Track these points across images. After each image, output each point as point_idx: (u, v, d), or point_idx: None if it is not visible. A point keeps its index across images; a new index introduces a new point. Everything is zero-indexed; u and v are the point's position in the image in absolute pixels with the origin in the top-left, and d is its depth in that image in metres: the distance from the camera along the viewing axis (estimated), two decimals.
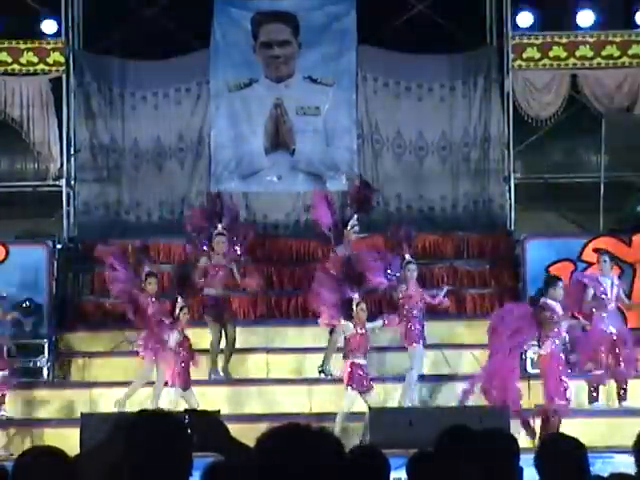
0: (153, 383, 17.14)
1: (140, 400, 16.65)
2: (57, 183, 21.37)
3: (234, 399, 17.38)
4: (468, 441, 6.10)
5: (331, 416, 16.15)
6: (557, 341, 16.74)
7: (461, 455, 5.99)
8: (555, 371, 16.77)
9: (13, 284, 18.28)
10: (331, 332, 17.51)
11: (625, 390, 17.31)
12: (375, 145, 21.54)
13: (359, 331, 16.91)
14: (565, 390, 16.79)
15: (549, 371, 16.77)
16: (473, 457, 5.91)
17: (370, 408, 16.73)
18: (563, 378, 16.81)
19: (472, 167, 21.59)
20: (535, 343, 16.93)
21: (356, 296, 16.96)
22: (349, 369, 16.84)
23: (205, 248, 18.27)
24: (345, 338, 17.04)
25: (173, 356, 17.05)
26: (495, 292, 19.56)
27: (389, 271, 17.49)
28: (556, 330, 16.80)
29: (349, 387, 16.83)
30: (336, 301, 17.07)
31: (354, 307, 16.85)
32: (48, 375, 18.80)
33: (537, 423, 16.44)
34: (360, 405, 16.89)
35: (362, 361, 16.87)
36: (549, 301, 16.89)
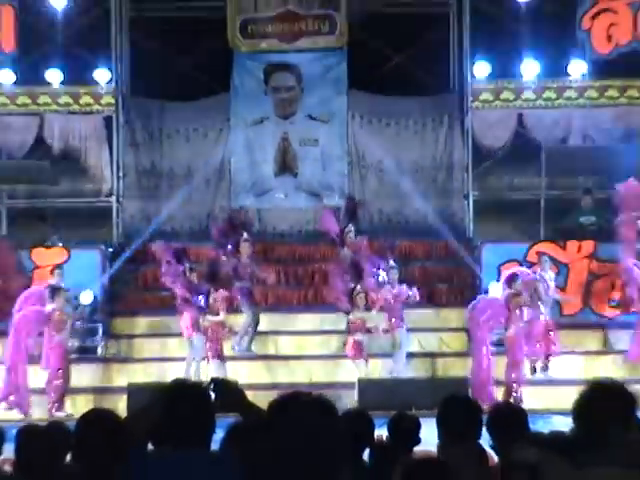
0: (204, 358, 17.21)
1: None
2: (108, 199, 21.40)
3: (250, 370, 17.32)
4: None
5: (327, 385, 16.11)
6: (521, 324, 16.84)
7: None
8: (518, 350, 16.86)
9: (73, 280, 18.24)
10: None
11: (548, 363, 17.41)
12: (361, 170, 21.49)
13: (358, 315, 17.23)
14: (523, 365, 16.93)
15: (513, 350, 16.86)
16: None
17: (359, 379, 16.79)
18: (523, 356, 16.92)
19: (439, 187, 21.54)
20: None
21: (358, 287, 17.42)
22: (352, 345, 17.16)
23: (231, 251, 18.38)
24: (348, 321, 17.40)
25: (210, 336, 17.17)
26: (457, 286, 19.64)
27: (375, 270, 17.78)
28: (519, 315, 16.92)
29: (355, 359, 17.12)
30: (346, 290, 17.44)
31: (355, 296, 17.31)
32: (101, 352, 18.75)
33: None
34: (352, 376, 16.99)
35: (360, 338, 17.15)
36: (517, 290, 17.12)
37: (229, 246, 18.50)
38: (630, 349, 17.64)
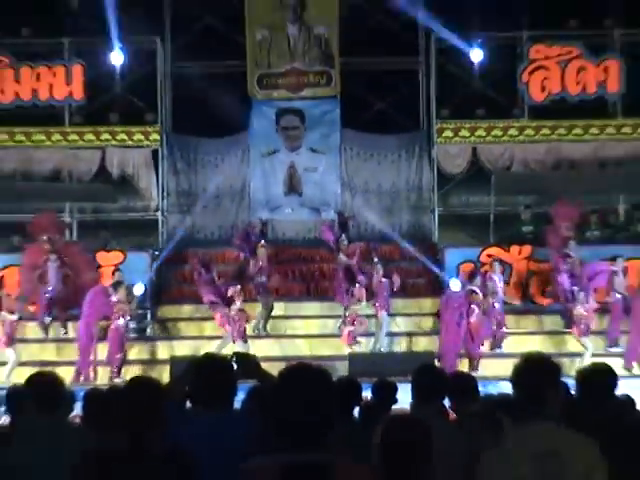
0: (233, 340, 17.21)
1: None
2: (155, 214, 21.37)
3: (266, 347, 17.32)
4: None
5: (325, 358, 16.07)
6: (477, 311, 16.93)
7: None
8: (477, 332, 16.93)
9: (129, 275, 18.30)
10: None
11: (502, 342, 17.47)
12: (351, 191, 21.44)
13: (354, 308, 17.48)
14: (482, 343, 16.96)
15: (474, 331, 16.94)
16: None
17: (349, 353, 16.82)
18: (481, 336, 16.98)
19: (411, 204, 21.54)
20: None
21: (357, 286, 17.55)
22: (347, 335, 17.35)
23: (249, 254, 18.40)
24: (344, 315, 17.62)
25: (236, 321, 17.19)
26: (426, 282, 19.55)
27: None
28: (477, 306, 17.00)
29: (349, 345, 17.27)
30: (345, 289, 17.66)
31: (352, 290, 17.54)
32: (150, 332, 18.79)
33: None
34: (344, 351, 17.03)
35: (352, 328, 17.31)
36: (474, 287, 17.12)
37: (248, 250, 18.60)
38: (610, 332, 17.62)
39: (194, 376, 4.97)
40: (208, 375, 4.91)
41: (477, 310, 17.04)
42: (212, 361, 5.08)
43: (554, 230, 18.39)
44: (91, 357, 16.92)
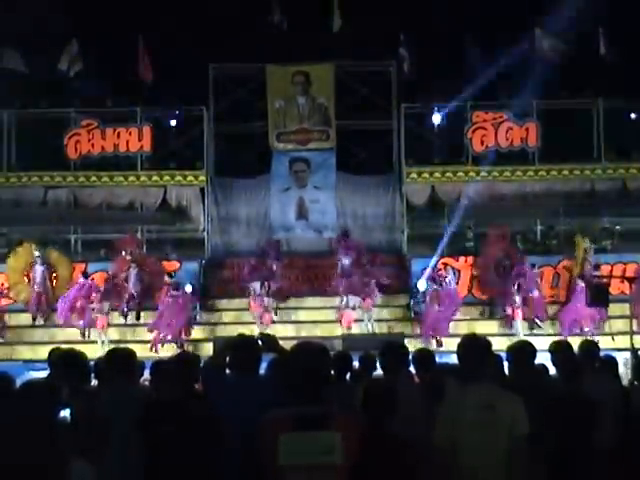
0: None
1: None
2: (202, 234, 21.31)
3: (282, 329, 17.24)
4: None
5: (325, 338, 15.97)
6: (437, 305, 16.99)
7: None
8: (442, 318, 17.04)
9: (184, 278, 18.30)
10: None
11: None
12: (344, 217, 21.30)
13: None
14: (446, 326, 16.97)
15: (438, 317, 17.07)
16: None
17: (342, 334, 16.76)
18: (445, 322, 16.94)
19: (387, 226, 21.41)
20: None
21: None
22: (348, 320, 17.28)
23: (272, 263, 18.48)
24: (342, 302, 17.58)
25: (261, 312, 17.23)
26: (398, 283, 19.09)
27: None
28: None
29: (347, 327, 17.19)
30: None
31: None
32: (199, 319, 18.58)
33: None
34: (339, 332, 16.94)
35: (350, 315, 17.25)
36: (435, 286, 17.37)
37: (269, 260, 18.54)
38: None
39: (231, 351, 4.99)
40: (241, 350, 4.94)
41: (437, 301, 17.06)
42: (244, 340, 5.10)
43: (488, 245, 18.50)
44: (161, 336, 16.90)
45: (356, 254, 18.34)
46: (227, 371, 5.00)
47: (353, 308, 17.49)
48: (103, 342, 16.69)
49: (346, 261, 18.32)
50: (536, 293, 17.63)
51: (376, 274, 17.79)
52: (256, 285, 17.79)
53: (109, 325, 17.54)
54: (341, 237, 19.44)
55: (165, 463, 4.39)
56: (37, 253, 18.65)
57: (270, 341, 5.07)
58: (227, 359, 4.97)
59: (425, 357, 6.24)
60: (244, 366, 4.85)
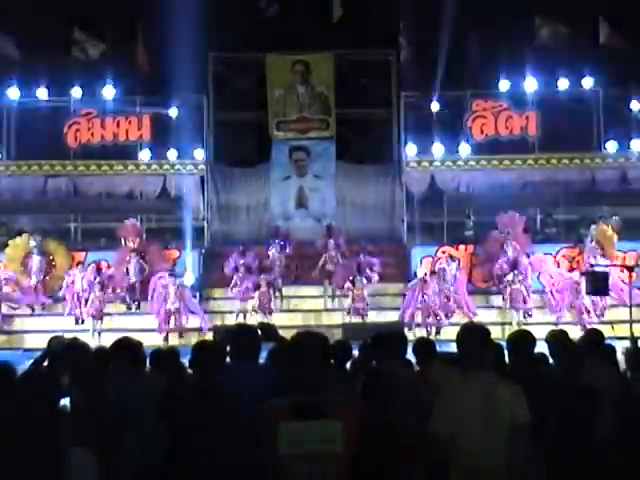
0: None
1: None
2: (202, 222, 21.27)
3: (282, 318, 17.17)
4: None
5: (325, 326, 15.77)
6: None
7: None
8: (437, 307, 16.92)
9: (184, 266, 18.28)
10: None
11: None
12: (344, 206, 21.31)
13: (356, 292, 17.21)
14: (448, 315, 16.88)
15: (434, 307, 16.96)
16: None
17: (343, 323, 16.74)
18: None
19: (387, 215, 21.34)
20: None
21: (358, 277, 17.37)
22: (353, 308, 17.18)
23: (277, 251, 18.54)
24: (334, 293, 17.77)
25: (262, 300, 17.16)
26: (397, 272, 19.18)
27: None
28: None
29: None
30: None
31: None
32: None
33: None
34: (339, 321, 16.91)
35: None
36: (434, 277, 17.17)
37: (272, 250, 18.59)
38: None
39: (231, 339, 4.98)
40: (241, 339, 4.93)
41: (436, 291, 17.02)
42: (243, 329, 5.10)
43: (492, 235, 18.47)
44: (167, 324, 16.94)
45: (341, 244, 18.42)
46: (227, 360, 5.00)
47: (335, 297, 17.52)
48: (95, 331, 16.63)
49: (332, 252, 18.30)
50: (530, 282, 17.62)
51: (369, 263, 17.75)
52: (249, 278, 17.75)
53: (108, 314, 17.47)
54: (325, 233, 19.30)
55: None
56: (33, 243, 18.58)
57: (270, 330, 5.06)
58: (228, 348, 4.96)
59: (426, 347, 6.22)
60: (244, 355, 4.84)
